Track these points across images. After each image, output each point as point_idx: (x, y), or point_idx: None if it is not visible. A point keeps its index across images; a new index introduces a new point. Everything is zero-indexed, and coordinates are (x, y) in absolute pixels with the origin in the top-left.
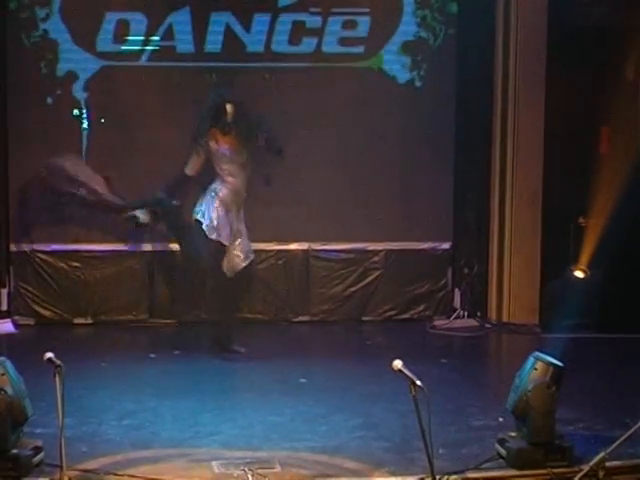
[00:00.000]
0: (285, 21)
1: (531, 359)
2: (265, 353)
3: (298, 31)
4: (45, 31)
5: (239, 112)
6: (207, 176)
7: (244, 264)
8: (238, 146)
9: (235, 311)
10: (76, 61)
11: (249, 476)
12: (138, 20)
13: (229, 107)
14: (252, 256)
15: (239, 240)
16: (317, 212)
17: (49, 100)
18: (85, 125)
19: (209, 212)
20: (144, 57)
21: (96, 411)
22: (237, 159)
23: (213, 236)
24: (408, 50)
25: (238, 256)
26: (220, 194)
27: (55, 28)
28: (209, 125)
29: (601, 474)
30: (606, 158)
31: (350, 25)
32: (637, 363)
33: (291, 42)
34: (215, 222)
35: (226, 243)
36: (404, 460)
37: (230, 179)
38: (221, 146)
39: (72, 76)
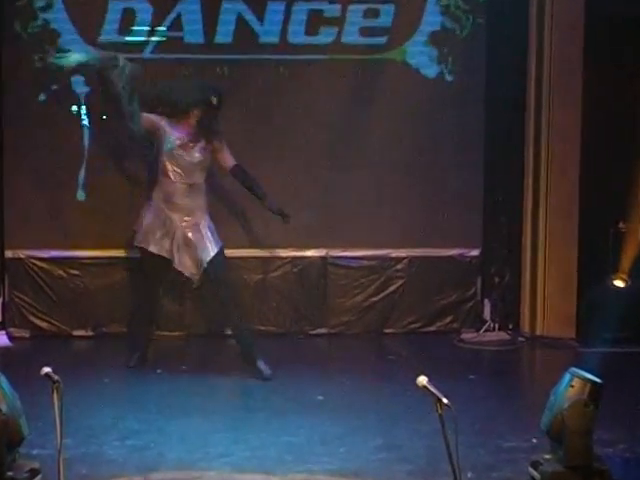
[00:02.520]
0: (301, 10)
1: (567, 375)
2: (279, 368)
3: (316, 21)
4: (45, 21)
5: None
6: None
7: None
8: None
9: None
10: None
11: None
12: (144, 9)
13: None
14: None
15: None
16: (336, 216)
17: (42, 97)
18: (86, 122)
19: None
20: (150, 49)
21: (97, 431)
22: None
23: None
24: (434, 41)
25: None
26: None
27: (55, 18)
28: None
29: None
30: None
31: (372, 14)
32: None
33: (308, 32)
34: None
35: (154, 250)
36: None
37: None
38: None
39: (72, 69)
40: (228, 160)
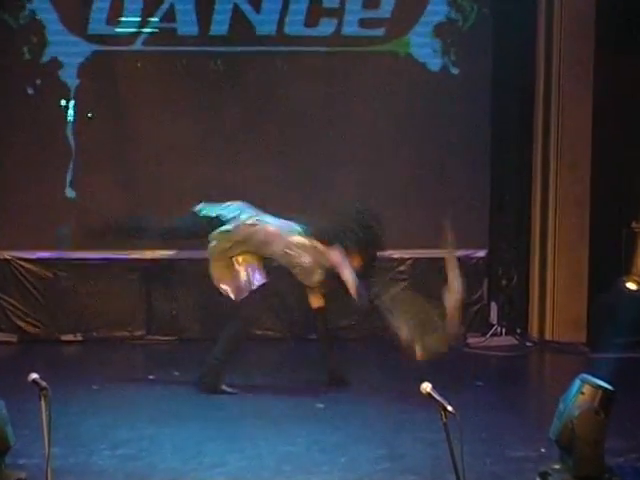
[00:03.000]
0: (300, 0)
1: (577, 382)
2: (276, 375)
3: (315, 11)
4: (31, 11)
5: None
6: None
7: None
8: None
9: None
10: (63, 46)
11: None
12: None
13: None
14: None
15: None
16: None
17: (30, 90)
18: (71, 118)
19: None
20: (141, 41)
21: (87, 439)
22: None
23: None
24: (438, 32)
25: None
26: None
27: (41, 8)
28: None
29: None
30: None
31: (373, 4)
32: None
33: (307, 24)
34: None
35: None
36: None
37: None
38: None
39: (57, 63)
40: (317, 302)
